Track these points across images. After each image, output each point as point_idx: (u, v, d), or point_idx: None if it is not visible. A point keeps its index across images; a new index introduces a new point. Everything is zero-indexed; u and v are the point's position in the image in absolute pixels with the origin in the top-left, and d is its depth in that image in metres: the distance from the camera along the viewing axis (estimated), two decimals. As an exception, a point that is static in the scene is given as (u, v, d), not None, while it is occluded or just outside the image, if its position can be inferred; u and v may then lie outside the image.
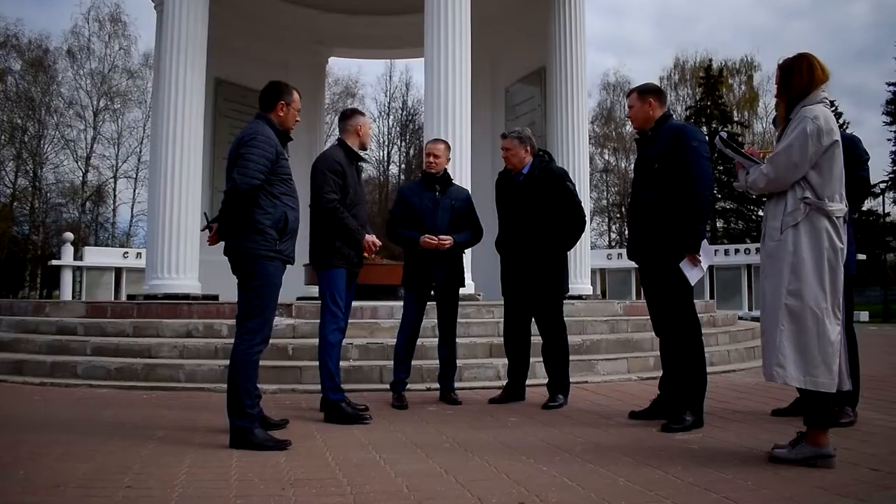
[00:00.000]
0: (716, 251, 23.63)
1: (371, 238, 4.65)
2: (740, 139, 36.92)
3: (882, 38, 57.32)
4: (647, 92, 4.50)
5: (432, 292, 5.30)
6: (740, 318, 12.36)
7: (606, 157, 42.49)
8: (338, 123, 4.92)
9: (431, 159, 5.32)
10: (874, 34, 57.53)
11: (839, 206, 3.30)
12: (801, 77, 3.38)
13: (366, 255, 4.73)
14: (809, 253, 3.25)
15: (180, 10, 9.23)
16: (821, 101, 3.38)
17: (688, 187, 4.13)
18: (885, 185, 35.34)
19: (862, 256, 22.81)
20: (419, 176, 5.61)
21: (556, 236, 5.04)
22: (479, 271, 9.02)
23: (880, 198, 33.99)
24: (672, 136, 4.26)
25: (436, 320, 5.43)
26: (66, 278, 22.20)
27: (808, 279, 3.24)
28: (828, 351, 3.20)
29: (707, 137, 30.49)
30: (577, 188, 5.32)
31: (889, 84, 37.23)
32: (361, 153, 4.88)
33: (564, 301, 5.29)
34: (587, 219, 5.26)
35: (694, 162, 4.14)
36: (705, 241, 4.20)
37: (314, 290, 11.84)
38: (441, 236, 5.12)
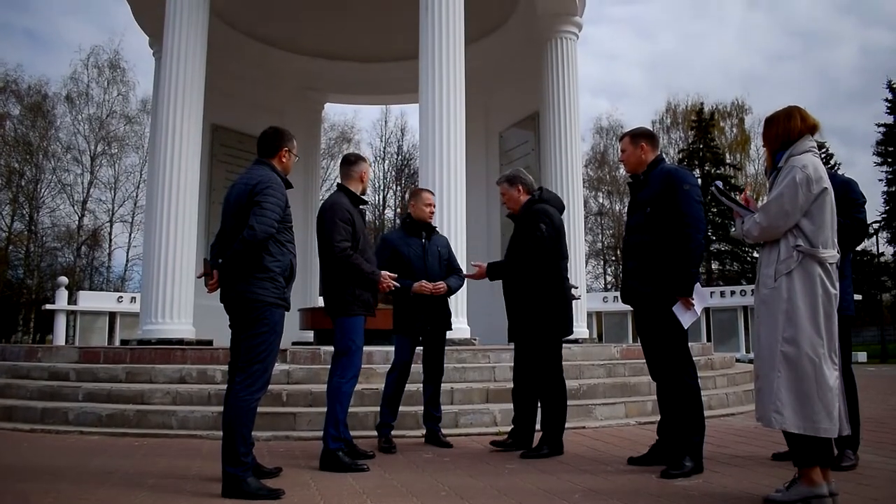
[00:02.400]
0: (711, 293, 23.66)
1: (386, 276, 4.68)
2: (733, 181, 37.26)
3: (869, 80, 58.50)
4: (639, 136, 4.55)
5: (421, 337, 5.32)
6: (738, 360, 12.30)
7: (601, 200, 42.78)
8: (340, 169, 4.94)
9: (431, 209, 5.46)
10: (862, 77, 58.77)
11: (831, 253, 3.34)
12: (778, 127, 3.52)
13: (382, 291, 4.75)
14: (804, 300, 3.28)
15: (178, 57, 9.36)
16: (809, 150, 3.45)
17: (680, 231, 4.15)
18: (878, 225, 35.55)
19: (858, 297, 22.83)
20: (400, 224, 5.67)
21: (544, 276, 4.92)
22: (475, 315, 9.00)
23: (874, 238, 34.15)
24: (664, 179, 4.29)
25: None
26: (60, 323, 22.08)
27: (803, 326, 3.26)
28: (827, 397, 3.20)
29: (699, 181, 30.61)
30: (565, 226, 5.21)
31: (878, 125, 37.80)
32: (363, 197, 4.91)
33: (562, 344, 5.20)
34: (567, 257, 5.14)
35: (686, 205, 4.16)
36: (699, 284, 4.20)
37: (309, 336, 11.87)
38: (436, 283, 5.19)
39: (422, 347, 5.38)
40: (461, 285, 5.53)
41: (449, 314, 5.47)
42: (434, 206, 5.54)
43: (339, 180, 5.02)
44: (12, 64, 41.37)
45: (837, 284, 3.38)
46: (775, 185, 3.44)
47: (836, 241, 3.41)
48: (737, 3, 64.04)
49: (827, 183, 3.38)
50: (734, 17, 63.02)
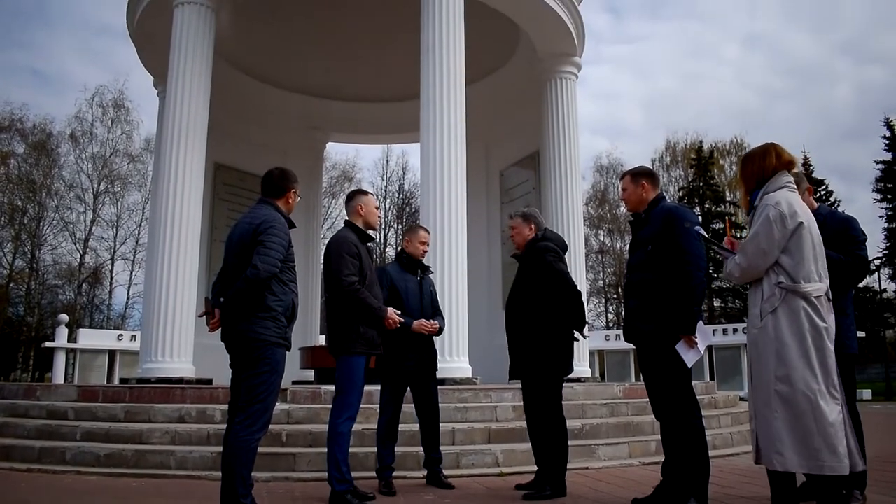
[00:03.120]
0: (714, 331, 23.57)
1: (392, 314, 4.67)
2: (733, 218, 37.40)
3: (866, 117, 59.11)
4: (640, 175, 4.58)
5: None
6: (742, 398, 12.17)
7: (602, 238, 42.89)
8: (345, 206, 4.98)
9: (425, 248, 5.47)
10: (858, 114, 59.39)
11: (816, 286, 3.31)
12: (754, 165, 3.56)
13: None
14: (791, 337, 3.25)
15: (182, 97, 9.49)
16: (784, 186, 3.46)
17: (681, 269, 4.14)
18: (879, 261, 35.59)
19: (861, 334, 22.74)
20: (395, 259, 5.64)
21: (547, 315, 4.91)
22: (476, 354, 8.96)
23: (876, 275, 34.14)
24: (665, 218, 4.30)
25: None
26: (59, 361, 21.98)
27: (794, 363, 3.22)
28: (829, 432, 3.15)
29: (700, 219, 30.82)
30: (567, 264, 5.22)
31: (877, 162, 38.14)
32: (370, 233, 4.91)
33: (564, 384, 5.16)
34: (581, 293, 5.14)
35: (687, 243, 4.17)
36: (701, 322, 4.18)
37: (310, 375, 11.80)
38: (432, 322, 5.22)
39: (410, 388, 5.30)
40: (444, 327, 5.55)
41: (435, 354, 5.44)
42: (428, 245, 5.54)
43: (345, 217, 5.05)
44: (18, 103, 41.84)
45: (829, 317, 3.34)
46: (752, 224, 3.46)
47: (822, 272, 3.38)
48: (734, 43, 65.12)
49: (803, 217, 3.37)
50: (731, 56, 64.05)
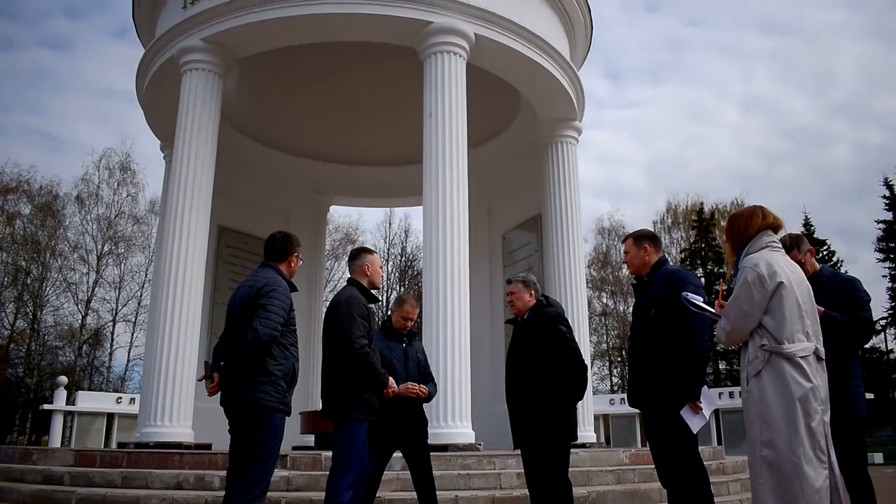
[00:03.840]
0: (720, 394, 23.25)
1: (392, 383, 4.52)
2: (728, 276, 37.31)
3: (865, 177, 59.60)
4: (642, 238, 4.59)
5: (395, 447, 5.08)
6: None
7: (605, 301, 42.70)
8: (348, 264, 4.81)
9: (409, 324, 5.23)
10: (857, 175, 59.85)
11: (802, 346, 3.24)
12: (739, 225, 3.57)
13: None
14: (776, 399, 3.17)
15: (188, 160, 9.64)
16: (766, 246, 3.45)
17: (685, 332, 4.12)
18: (885, 321, 35.33)
19: (870, 395, 22.41)
20: (381, 326, 5.32)
21: (552, 383, 4.86)
22: (479, 419, 8.84)
23: (882, 335, 33.89)
24: (667, 281, 4.30)
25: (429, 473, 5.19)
26: (57, 423, 21.71)
27: (778, 427, 3.14)
28: (814, 499, 3.05)
29: (703, 281, 30.47)
30: (573, 332, 5.22)
31: (878, 222, 38.20)
32: (374, 292, 4.77)
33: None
34: (587, 363, 5.09)
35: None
36: (706, 386, 4.14)
37: (310, 440, 11.62)
38: (420, 385, 5.04)
39: (404, 457, 5.11)
40: (436, 393, 5.36)
41: (425, 420, 5.23)
42: (413, 320, 5.28)
43: (348, 275, 4.80)
44: (26, 165, 42.49)
45: (817, 376, 3.25)
46: (734, 286, 3.46)
47: (810, 331, 3.31)
48: (731, 106, 66.16)
49: (783, 276, 3.31)
50: (729, 119, 64.89)
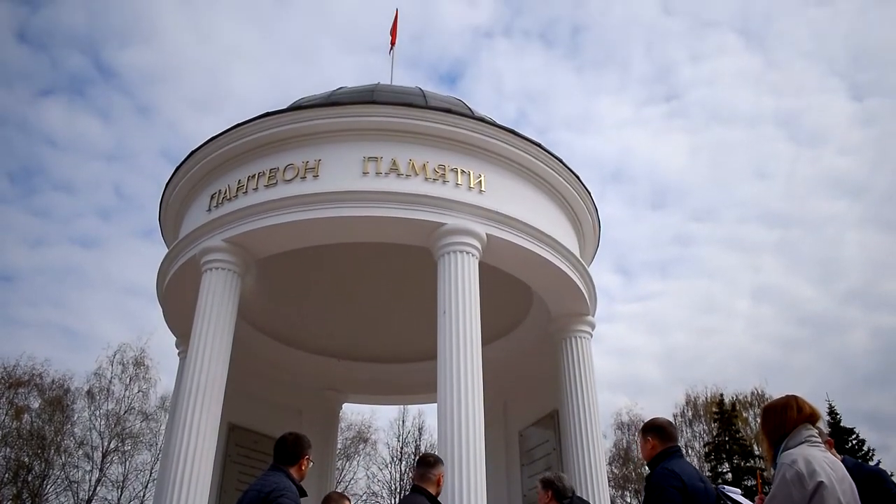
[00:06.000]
0: None
1: None
2: (765, 474, 35.58)
3: (887, 361, 58.38)
4: (646, 430, 4.46)
5: None
6: None
7: (628, 500, 40.61)
8: (417, 468, 4.69)
9: None
10: (877, 359, 58.66)
11: None
12: (775, 419, 3.45)
13: None
14: None
15: (203, 358, 9.64)
16: (805, 441, 3.32)
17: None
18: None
19: None
20: None
21: None
22: None
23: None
24: (647, 483, 4.16)
25: None
26: None
27: None
28: None
29: (730, 475, 29.13)
30: None
31: (907, 410, 36.91)
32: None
33: None
34: None
35: None
36: None
37: None
38: None
39: None
40: None
41: None
42: None
43: (413, 481, 4.68)
44: (41, 358, 42.53)
45: None
46: (773, 483, 3.30)
47: None
48: (743, 297, 66.60)
49: (823, 476, 3.17)
50: (742, 309, 65.12)
